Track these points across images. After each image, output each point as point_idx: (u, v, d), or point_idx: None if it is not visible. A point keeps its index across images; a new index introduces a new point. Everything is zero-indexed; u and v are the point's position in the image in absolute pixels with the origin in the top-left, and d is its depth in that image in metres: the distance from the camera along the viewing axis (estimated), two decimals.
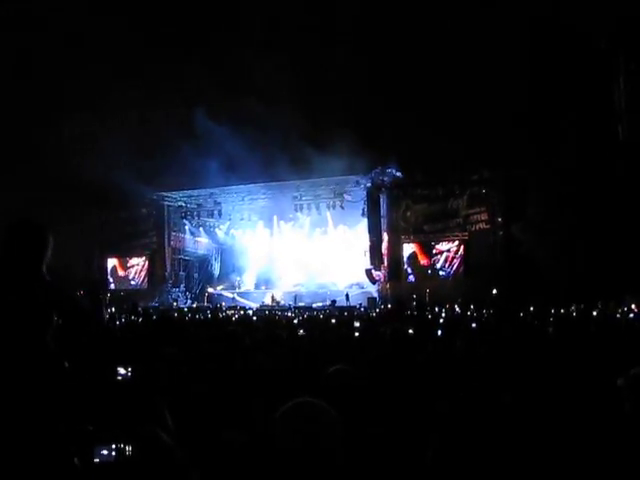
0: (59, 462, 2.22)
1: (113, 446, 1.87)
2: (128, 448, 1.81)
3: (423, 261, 25.77)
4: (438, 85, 21.12)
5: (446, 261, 25.39)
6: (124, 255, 30.62)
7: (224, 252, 32.43)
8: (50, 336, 3.54)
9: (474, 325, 9.35)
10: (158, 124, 24.19)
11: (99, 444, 1.92)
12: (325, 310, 20.34)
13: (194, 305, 27.73)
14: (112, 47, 23.02)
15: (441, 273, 25.51)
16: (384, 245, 25.96)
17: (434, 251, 25.73)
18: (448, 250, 25.42)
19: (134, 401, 2.16)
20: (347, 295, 24.80)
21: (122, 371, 3.29)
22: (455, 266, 25.22)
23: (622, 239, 18.81)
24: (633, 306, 14.61)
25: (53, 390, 3.10)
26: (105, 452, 1.90)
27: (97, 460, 1.92)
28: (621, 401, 2.51)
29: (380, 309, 19.99)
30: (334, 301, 20.83)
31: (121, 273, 30.72)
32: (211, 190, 28.37)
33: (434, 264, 25.58)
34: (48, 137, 21.33)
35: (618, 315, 12.92)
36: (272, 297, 27.42)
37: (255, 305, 25.48)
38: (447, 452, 2.00)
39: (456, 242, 25.34)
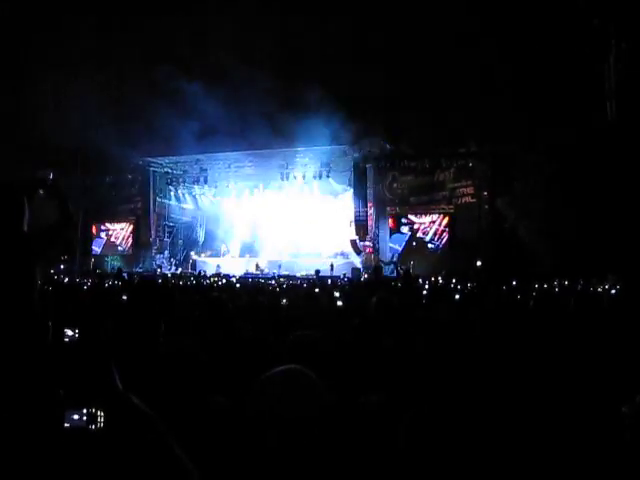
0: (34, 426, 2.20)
1: (84, 410, 1.83)
2: (100, 413, 1.77)
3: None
4: (427, 56, 20.97)
5: (435, 234, 25.51)
6: (109, 220, 30.50)
7: (209, 219, 32.38)
8: (35, 295, 3.56)
9: (457, 297, 9.39)
10: (140, 87, 23.77)
11: (69, 408, 1.87)
12: (309, 279, 20.38)
13: (178, 271, 27.72)
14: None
15: (430, 246, 25.63)
16: (370, 216, 26.02)
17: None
18: (432, 222, 25.54)
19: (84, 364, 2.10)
20: (332, 265, 24.92)
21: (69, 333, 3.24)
22: (444, 240, 25.35)
23: (607, 218, 18.93)
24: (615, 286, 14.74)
25: (37, 352, 3.09)
26: (76, 417, 1.86)
27: (67, 425, 1.87)
28: (622, 428, 2.52)
29: (364, 279, 20.09)
30: (318, 271, 20.87)
31: (105, 238, 30.64)
32: (197, 157, 28.20)
33: (417, 235, 25.74)
34: (20, 97, 20.88)
35: (599, 290, 13.03)
36: (256, 265, 27.46)
37: (239, 273, 25.48)
38: (421, 426, 2.01)
39: (441, 215, 25.46)
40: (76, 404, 1.84)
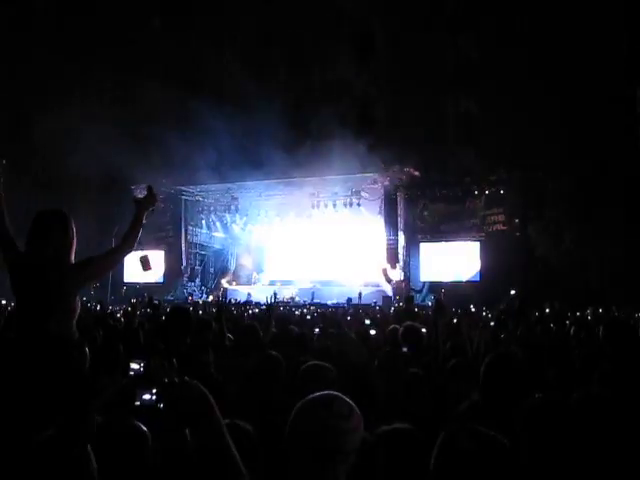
0: None
1: (154, 390, 2.04)
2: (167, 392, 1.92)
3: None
4: (457, 84, 21.05)
5: (466, 262, 25.38)
6: (140, 248, 30.71)
7: (240, 247, 32.52)
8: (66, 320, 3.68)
9: (492, 324, 9.34)
10: (171, 115, 24.06)
11: (140, 388, 2.13)
12: (342, 307, 20.33)
13: (209, 299, 27.82)
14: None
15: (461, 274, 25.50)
16: (400, 244, 25.97)
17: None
18: (463, 250, 25.42)
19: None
20: (360, 294, 24.79)
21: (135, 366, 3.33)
22: (475, 268, 25.18)
23: (638, 245, 18.72)
24: None
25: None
26: (147, 396, 2.10)
27: (138, 403, 2.13)
28: None
29: (395, 307, 19.98)
30: (350, 299, 20.84)
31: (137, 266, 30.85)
32: (228, 185, 28.47)
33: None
34: (46, 128, 21.20)
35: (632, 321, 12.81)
36: (287, 294, 27.48)
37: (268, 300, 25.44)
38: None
39: (472, 242, 25.32)
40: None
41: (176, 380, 1.78)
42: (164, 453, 2.43)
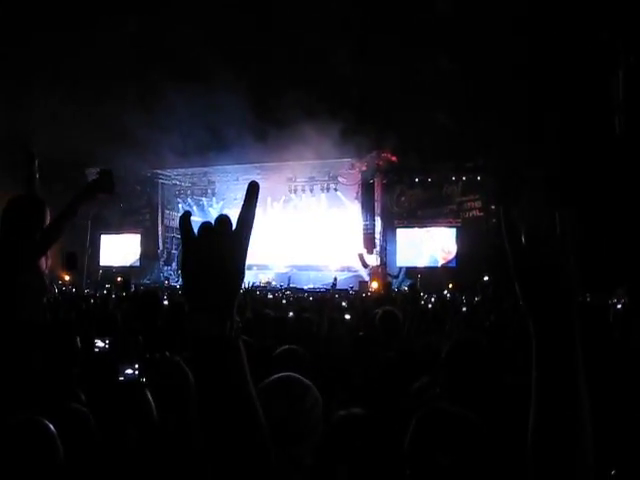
0: None
1: (136, 365, 2.12)
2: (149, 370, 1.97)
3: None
4: (435, 70, 21.03)
5: (442, 248, 25.57)
6: (116, 232, 30.57)
7: None
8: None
9: (464, 309, 9.43)
10: (147, 98, 23.67)
11: (123, 364, 2.18)
12: (317, 292, 20.41)
13: None
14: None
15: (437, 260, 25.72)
16: (377, 230, 26.05)
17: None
18: (439, 236, 25.62)
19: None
20: (335, 279, 24.75)
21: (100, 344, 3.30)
22: (451, 254, 25.39)
23: (615, 232, 18.87)
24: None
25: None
26: (129, 371, 2.16)
27: (122, 378, 2.18)
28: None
29: (371, 292, 20.07)
30: (335, 279, 21.09)
31: (113, 249, 30.71)
32: (205, 169, 28.35)
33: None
34: (20, 110, 20.75)
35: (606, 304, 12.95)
36: (264, 278, 27.50)
37: (245, 285, 25.45)
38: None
39: (449, 229, 25.51)
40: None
41: (157, 356, 1.80)
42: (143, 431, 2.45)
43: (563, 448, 1.25)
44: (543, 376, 1.29)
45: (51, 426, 1.91)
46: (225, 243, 1.23)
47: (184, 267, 1.25)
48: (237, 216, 1.25)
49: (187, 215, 1.27)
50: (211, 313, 1.19)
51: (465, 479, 1.83)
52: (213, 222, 1.24)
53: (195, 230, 1.24)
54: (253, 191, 1.30)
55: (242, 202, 1.27)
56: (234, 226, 1.23)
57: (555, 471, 1.26)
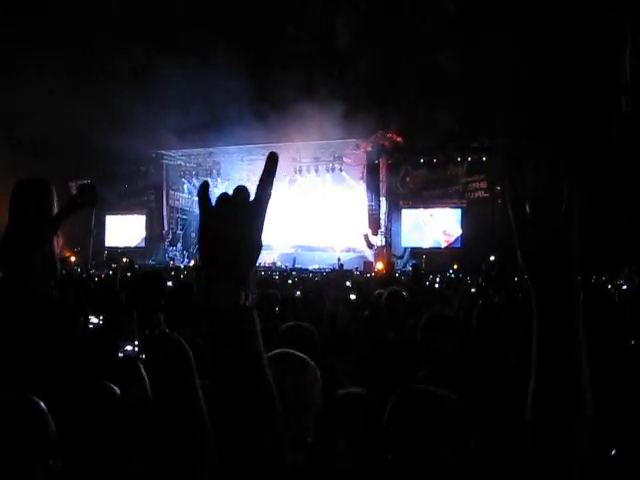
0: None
1: (135, 342, 2.16)
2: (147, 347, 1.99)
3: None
4: (441, 51, 20.92)
5: (447, 228, 25.58)
6: (122, 212, 30.62)
7: None
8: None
9: (473, 290, 9.44)
10: (152, 78, 23.59)
11: (122, 341, 2.21)
12: (322, 272, 20.44)
13: (191, 263, 27.77)
14: None
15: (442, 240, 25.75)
16: (382, 210, 26.01)
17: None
18: (445, 216, 25.60)
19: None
20: (339, 259, 24.83)
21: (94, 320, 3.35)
22: (456, 234, 25.38)
23: (621, 213, 18.81)
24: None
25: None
26: (129, 347, 2.19)
27: (121, 355, 2.20)
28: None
29: (376, 273, 20.09)
30: (339, 259, 21.14)
31: (119, 230, 30.76)
32: (210, 149, 28.28)
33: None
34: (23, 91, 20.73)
35: (610, 286, 12.93)
36: (269, 259, 27.54)
37: None
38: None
39: (454, 209, 25.47)
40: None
41: (156, 332, 1.81)
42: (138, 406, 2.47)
43: (560, 422, 1.26)
44: (543, 348, 1.29)
45: (41, 403, 1.91)
46: (243, 213, 1.22)
47: (202, 237, 1.25)
48: (256, 186, 1.25)
49: (205, 185, 1.27)
50: (227, 283, 1.20)
51: (445, 460, 1.83)
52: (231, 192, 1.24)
53: (212, 201, 1.24)
54: (272, 160, 1.31)
55: (261, 172, 1.27)
56: (252, 197, 1.23)
57: (553, 444, 1.26)
